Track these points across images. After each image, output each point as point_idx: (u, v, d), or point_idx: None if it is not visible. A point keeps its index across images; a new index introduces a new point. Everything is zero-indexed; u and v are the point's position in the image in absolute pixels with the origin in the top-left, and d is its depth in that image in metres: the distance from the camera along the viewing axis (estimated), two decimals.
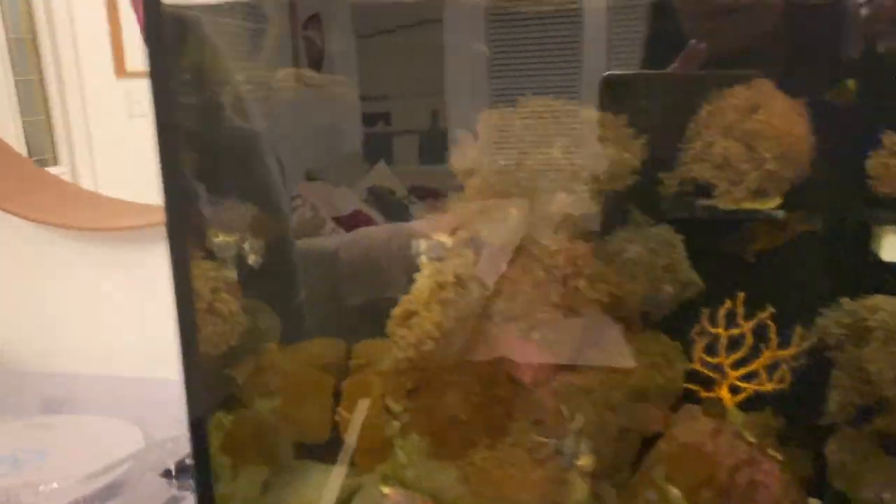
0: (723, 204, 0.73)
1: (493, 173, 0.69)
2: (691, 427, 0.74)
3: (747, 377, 0.75)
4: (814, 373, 0.71)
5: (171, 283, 0.63)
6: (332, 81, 0.79)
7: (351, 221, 1.04)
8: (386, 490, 0.74)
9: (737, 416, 0.75)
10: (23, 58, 2.56)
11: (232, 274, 0.80)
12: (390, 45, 0.90)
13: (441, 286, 0.72)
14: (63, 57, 2.60)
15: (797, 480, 0.73)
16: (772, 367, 0.73)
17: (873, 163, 0.69)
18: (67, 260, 1.27)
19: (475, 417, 0.67)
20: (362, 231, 1.01)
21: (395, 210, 1.04)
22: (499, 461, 0.65)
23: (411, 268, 0.77)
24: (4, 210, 1.24)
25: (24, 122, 2.51)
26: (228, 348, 0.75)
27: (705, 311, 0.73)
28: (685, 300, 0.73)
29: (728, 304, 0.72)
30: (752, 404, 0.75)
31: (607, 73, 0.78)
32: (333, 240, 1.01)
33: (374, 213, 1.07)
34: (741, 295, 0.71)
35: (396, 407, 0.73)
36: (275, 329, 0.83)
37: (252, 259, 0.80)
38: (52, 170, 2.53)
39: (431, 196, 0.94)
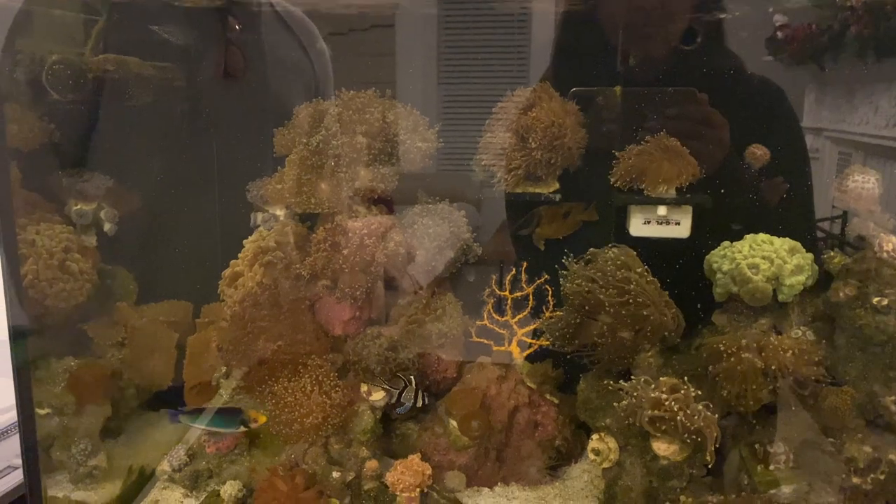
0: (509, 188, 0.87)
1: (306, 152, 0.81)
2: (480, 374, 0.87)
3: (534, 335, 0.88)
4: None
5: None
6: (156, 68, 0.90)
7: None
8: None
9: (523, 367, 0.89)
10: None
11: (91, 239, 0.90)
12: None
13: (263, 251, 0.84)
14: None
15: (571, 420, 0.86)
16: None
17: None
18: None
19: (280, 357, 0.78)
20: None
21: None
22: (293, 390, 0.76)
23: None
24: None
25: None
26: (80, 304, 0.85)
27: (494, 277, 0.86)
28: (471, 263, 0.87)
29: (513, 271, 0.86)
30: (538, 357, 0.89)
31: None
32: None
33: None
34: (524, 263, 0.85)
35: (225, 353, 0.85)
36: (131, 290, 0.93)
37: (107, 227, 0.90)
38: None
39: None
